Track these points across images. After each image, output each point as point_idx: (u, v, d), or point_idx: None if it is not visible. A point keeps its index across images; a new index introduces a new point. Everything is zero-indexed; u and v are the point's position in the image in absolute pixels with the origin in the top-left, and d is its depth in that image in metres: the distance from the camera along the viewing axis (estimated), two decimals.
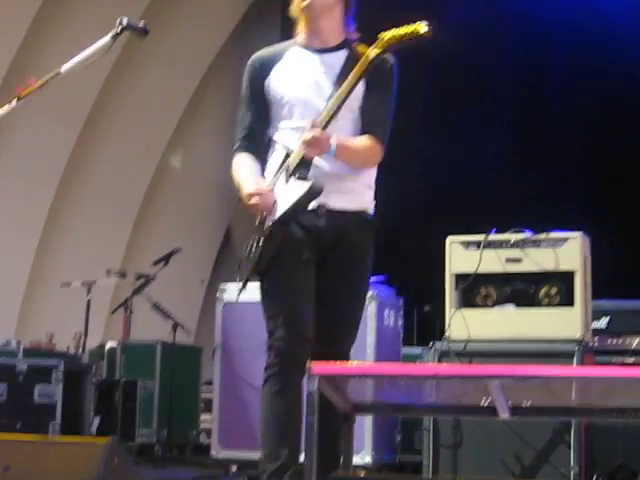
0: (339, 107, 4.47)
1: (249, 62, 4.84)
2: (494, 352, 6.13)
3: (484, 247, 6.29)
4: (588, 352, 6.11)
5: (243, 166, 4.75)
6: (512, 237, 6.29)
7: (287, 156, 4.60)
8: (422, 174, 10.69)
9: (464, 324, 6.25)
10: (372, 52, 4.46)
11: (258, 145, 4.79)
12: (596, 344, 6.64)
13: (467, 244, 6.37)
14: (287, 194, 4.50)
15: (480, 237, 6.34)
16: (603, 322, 7.05)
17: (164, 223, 14.33)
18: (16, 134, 11.94)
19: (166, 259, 9.85)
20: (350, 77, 4.47)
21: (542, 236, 6.23)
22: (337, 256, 4.68)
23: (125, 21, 4.35)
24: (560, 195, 9.32)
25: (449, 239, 6.42)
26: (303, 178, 4.48)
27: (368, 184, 4.79)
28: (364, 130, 4.67)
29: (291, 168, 4.55)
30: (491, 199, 9.89)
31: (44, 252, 12.83)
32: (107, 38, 4.36)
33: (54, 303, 12.17)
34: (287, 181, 4.53)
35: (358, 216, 4.72)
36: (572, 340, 6.04)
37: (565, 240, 6.16)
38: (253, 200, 4.56)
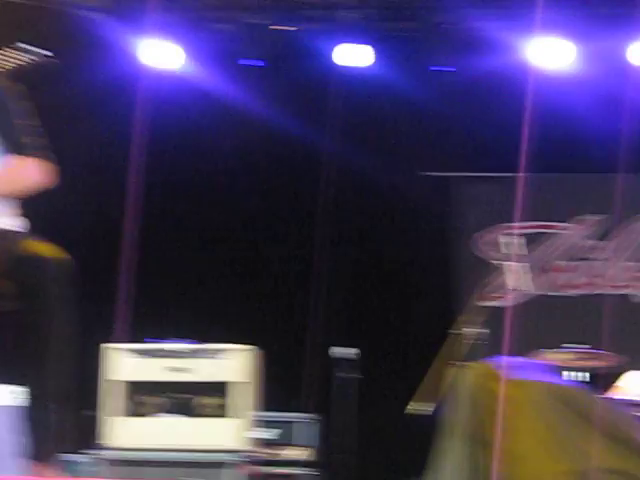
0: None
1: None
2: (150, 461, 6.06)
3: (145, 355, 6.23)
4: (247, 463, 6.18)
5: None
6: (176, 347, 6.29)
7: None
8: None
9: (122, 432, 6.15)
10: None
11: None
12: (261, 455, 6.71)
13: (126, 351, 6.28)
14: None
15: (141, 345, 6.29)
16: (270, 434, 7.18)
17: None
18: None
19: None
20: None
21: (207, 346, 6.28)
22: None
23: None
24: (226, 308, 9.44)
25: (104, 345, 6.31)
26: None
27: None
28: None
29: None
30: (149, 308, 9.81)
31: None
32: None
33: None
34: None
35: None
36: (233, 450, 6.09)
37: (231, 351, 6.25)
38: None
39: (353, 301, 9.52)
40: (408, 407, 6.70)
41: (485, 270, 7.10)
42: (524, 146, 9.28)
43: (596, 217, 9.93)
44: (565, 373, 7.46)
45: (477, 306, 7.10)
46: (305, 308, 9.40)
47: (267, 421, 7.09)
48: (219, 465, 6.07)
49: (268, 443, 7.12)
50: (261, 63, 9.13)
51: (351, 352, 7.61)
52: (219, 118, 9.26)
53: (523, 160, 9.49)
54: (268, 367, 8.56)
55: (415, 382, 6.93)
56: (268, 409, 7.49)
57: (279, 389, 8.77)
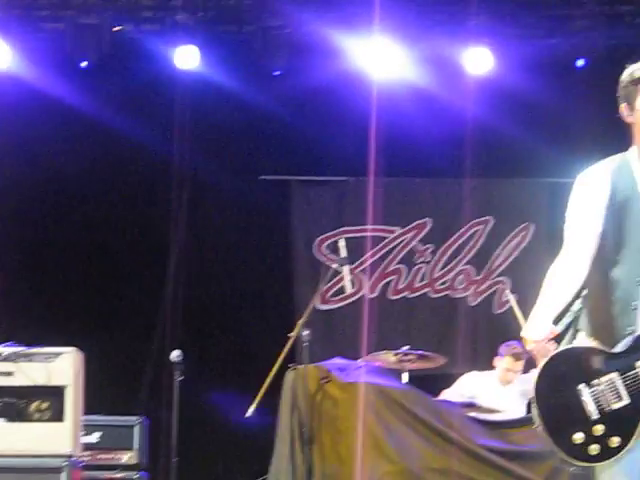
0: None
1: None
2: None
3: None
4: (77, 467, 6.09)
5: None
6: (2, 350, 6.15)
7: None
8: None
9: None
10: None
11: None
12: (87, 459, 6.63)
13: None
14: None
15: None
16: (94, 437, 7.10)
17: None
18: None
19: None
20: None
21: (34, 350, 6.16)
22: None
23: None
24: (52, 309, 9.26)
25: None
26: None
27: None
28: None
29: None
30: None
31: None
32: None
33: None
34: None
35: None
36: (61, 455, 5.99)
37: (57, 355, 6.14)
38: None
39: (194, 305, 9.46)
40: (248, 411, 6.68)
41: (324, 274, 7.13)
42: (371, 151, 9.47)
43: (430, 221, 10.13)
44: (403, 375, 7.60)
45: (315, 309, 7.15)
46: (149, 312, 9.32)
47: (92, 425, 7.03)
48: (58, 470, 5.95)
49: (93, 447, 7.06)
50: (95, 64, 8.98)
51: (175, 355, 7.56)
52: (54, 120, 9.10)
53: (371, 165, 9.70)
54: (108, 371, 8.50)
55: (256, 386, 6.91)
56: (108, 412, 7.45)
57: (119, 393, 8.71)
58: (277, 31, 8.90)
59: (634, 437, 3.73)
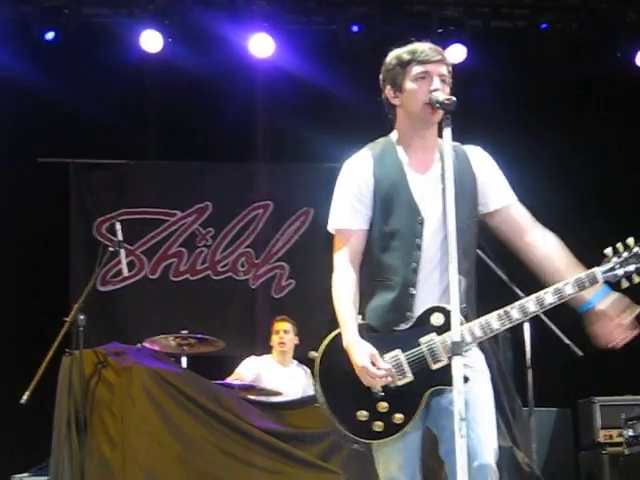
0: None
1: None
2: None
3: None
4: None
5: None
6: None
7: None
8: None
9: None
10: None
11: None
12: None
13: None
14: None
15: None
16: None
17: None
18: None
19: None
20: None
21: None
22: None
23: None
24: None
25: None
26: None
27: None
28: None
29: None
30: None
31: None
32: None
33: None
34: None
35: None
36: None
37: None
38: None
39: None
40: (23, 398, 6.51)
41: (103, 256, 7.03)
42: (151, 133, 9.45)
43: (211, 205, 10.17)
44: (183, 359, 7.61)
45: (93, 292, 7.05)
46: None
47: None
48: None
49: None
50: None
51: None
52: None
53: (151, 148, 9.67)
54: None
55: (32, 372, 6.76)
56: None
57: None
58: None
59: (418, 412, 3.79)
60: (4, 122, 9.32)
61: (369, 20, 9.25)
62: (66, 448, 6.04)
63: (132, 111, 9.41)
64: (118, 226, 7.06)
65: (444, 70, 3.94)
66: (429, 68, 3.91)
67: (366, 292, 3.98)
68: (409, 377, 3.80)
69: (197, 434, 6.13)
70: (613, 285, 3.88)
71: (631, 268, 3.82)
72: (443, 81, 3.92)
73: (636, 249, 3.84)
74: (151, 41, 9.09)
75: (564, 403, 8.73)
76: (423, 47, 3.95)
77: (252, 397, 7.15)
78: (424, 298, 3.86)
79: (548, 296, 3.79)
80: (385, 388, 3.78)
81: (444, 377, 3.66)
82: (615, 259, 3.83)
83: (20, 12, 9.13)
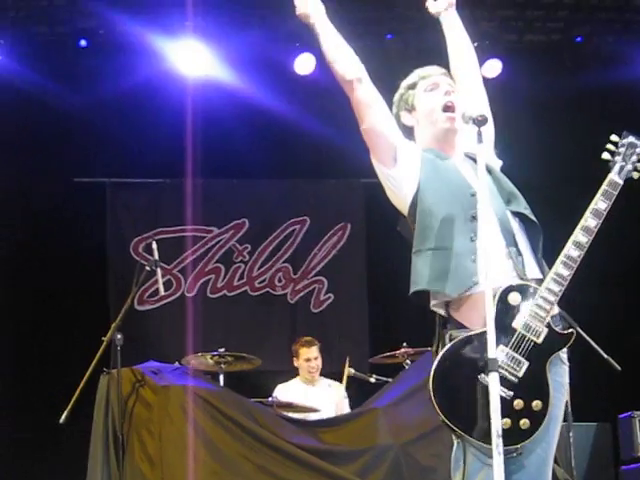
0: None
1: None
2: None
3: None
4: None
5: None
6: None
7: None
8: None
9: None
10: None
11: None
12: None
13: None
14: None
15: None
16: None
17: None
18: None
19: None
20: None
21: None
22: None
23: None
24: None
25: None
26: None
27: None
28: None
29: None
30: None
31: None
32: None
33: None
34: None
35: None
36: None
37: None
38: None
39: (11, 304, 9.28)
40: (62, 417, 6.54)
41: (140, 275, 7.06)
42: (187, 152, 9.48)
43: (247, 221, 10.20)
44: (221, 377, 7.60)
45: (130, 311, 7.07)
46: None
47: None
48: None
49: None
50: None
51: None
52: None
53: (188, 166, 9.71)
54: None
55: (71, 391, 6.79)
56: None
57: None
58: (90, 32, 8.83)
59: (550, 391, 3.69)
60: (41, 141, 9.41)
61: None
62: (104, 467, 6.06)
63: (167, 130, 9.46)
64: (154, 245, 7.08)
65: (450, 82, 4.10)
66: (436, 80, 4.08)
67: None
68: (525, 363, 3.68)
69: (234, 451, 6.12)
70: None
71: (635, 158, 3.94)
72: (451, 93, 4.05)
73: (624, 140, 3.96)
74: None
75: (602, 418, 8.66)
76: (425, 67, 4.14)
77: (288, 414, 7.13)
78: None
79: (589, 221, 3.78)
80: (511, 386, 3.65)
81: (552, 346, 3.72)
82: (617, 158, 3.92)
83: (54, 33, 9.21)
